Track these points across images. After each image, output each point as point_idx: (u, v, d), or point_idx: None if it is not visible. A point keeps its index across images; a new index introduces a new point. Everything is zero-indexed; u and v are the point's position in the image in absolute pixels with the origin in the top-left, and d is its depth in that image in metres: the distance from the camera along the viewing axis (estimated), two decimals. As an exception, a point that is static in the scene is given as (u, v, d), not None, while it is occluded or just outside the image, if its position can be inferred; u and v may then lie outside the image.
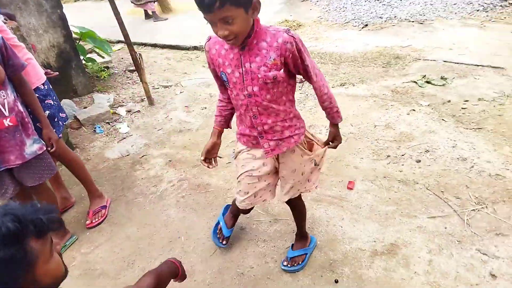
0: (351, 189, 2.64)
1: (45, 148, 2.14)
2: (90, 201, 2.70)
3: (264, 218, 2.48)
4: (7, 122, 1.92)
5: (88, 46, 4.99)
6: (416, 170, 2.75)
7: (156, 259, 2.26)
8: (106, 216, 2.64)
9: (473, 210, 2.37)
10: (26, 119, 2.03)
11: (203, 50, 6.02)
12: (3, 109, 1.90)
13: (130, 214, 2.65)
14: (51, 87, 2.47)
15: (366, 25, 6.13)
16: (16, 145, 1.97)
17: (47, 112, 2.31)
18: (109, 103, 4.19)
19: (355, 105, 3.75)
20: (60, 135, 2.45)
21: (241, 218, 2.49)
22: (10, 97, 1.93)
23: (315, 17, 6.90)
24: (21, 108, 2.00)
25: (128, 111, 4.16)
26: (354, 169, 2.83)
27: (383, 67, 4.57)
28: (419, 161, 2.84)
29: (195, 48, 6.16)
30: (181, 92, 4.55)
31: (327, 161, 2.95)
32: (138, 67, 4.01)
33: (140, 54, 3.99)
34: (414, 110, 3.54)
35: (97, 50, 4.85)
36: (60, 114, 2.49)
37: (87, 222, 2.58)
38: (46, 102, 2.35)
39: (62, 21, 4.03)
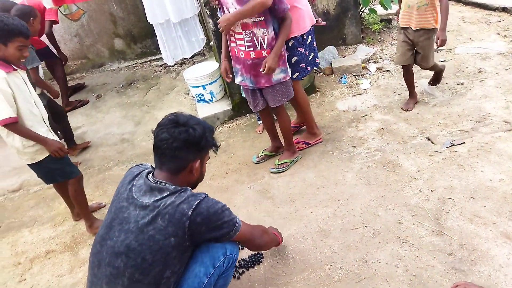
0: None
1: (288, 78, 2.61)
2: (304, 133, 3.15)
3: (429, 224, 2.15)
4: (264, 53, 2.48)
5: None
6: None
7: (310, 207, 2.48)
8: (302, 149, 3.06)
9: None
10: (282, 52, 2.51)
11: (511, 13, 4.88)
12: (263, 43, 2.46)
13: (318, 163, 2.91)
14: (312, 38, 2.80)
15: None
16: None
17: (295, 58, 2.72)
18: (366, 57, 4.29)
19: None
20: (302, 78, 2.85)
21: (406, 209, 2.28)
22: (270, 34, 2.44)
23: None
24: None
25: (379, 69, 4.14)
26: None
27: None
28: None
29: (504, 9, 5.03)
30: (447, 60, 4.02)
31: None
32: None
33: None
34: None
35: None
36: (315, 60, 2.87)
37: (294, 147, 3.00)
38: (297, 49, 2.72)
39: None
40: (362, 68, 4.16)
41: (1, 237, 2.88)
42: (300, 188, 2.69)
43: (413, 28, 3.06)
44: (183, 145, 1.50)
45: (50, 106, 3.39)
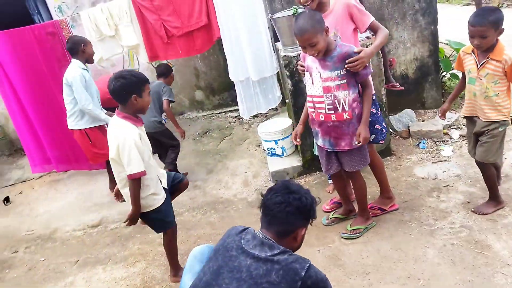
0: None
1: (368, 141, 2.56)
2: (378, 198, 3.01)
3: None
4: (345, 115, 2.49)
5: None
6: None
7: (386, 283, 2.30)
8: (376, 216, 2.90)
9: None
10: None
11: None
12: (344, 105, 2.47)
13: (394, 233, 2.73)
14: (376, 102, 2.80)
15: None
16: (348, 134, 2.52)
17: (370, 118, 2.72)
18: (447, 123, 4.10)
19: None
20: (380, 142, 2.79)
21: None
22: (350, 96, 2.46)
23: None
24: (360, 106, 2.50)
25: (462, 136, 3.90)
26: None
27: None
28: None
29: None
30: (539, 133, 3.69)
31: None
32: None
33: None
34: None
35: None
36: (383, 123, 2.80)
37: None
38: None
39: (433, 36, 4.21)
40: (444, 134, 3.96)
41: (77, 271, 3.06)
42: (374, 259, 2.53)
43: (482, 119, 2.61)
44: (295, 211, 1.58)
45: (166, 133, 4.04)
